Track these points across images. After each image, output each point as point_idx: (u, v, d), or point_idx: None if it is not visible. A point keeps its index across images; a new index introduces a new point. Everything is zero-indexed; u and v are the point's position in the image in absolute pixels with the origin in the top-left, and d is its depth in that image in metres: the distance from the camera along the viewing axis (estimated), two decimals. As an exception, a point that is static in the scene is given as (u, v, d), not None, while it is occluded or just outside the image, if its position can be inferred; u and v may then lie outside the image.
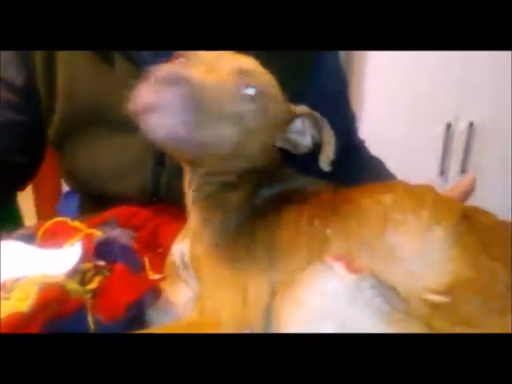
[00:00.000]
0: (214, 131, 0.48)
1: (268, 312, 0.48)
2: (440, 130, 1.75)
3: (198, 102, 0.44)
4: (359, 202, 0.50)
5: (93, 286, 0.49)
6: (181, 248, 0.57)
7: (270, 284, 0.49)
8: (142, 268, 0.56)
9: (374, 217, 0.47)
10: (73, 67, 0.72)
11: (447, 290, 0.41)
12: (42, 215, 1.16)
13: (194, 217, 0.57)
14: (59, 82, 0.73)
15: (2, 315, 0.40)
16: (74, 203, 0.90)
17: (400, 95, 1.68)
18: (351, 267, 0.40)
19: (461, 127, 1.74)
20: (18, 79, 0.74)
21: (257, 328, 0.47)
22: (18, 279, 0.44)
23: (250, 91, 0.51)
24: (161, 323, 0.52)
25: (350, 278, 0.39)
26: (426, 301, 0.40)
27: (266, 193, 0.56)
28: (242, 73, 0.51)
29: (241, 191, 0.55)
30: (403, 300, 0.40)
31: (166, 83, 0.43)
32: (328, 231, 0.48)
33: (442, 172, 1.77)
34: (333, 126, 0.68)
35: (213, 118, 0.47)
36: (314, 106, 0.72)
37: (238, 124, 0.50)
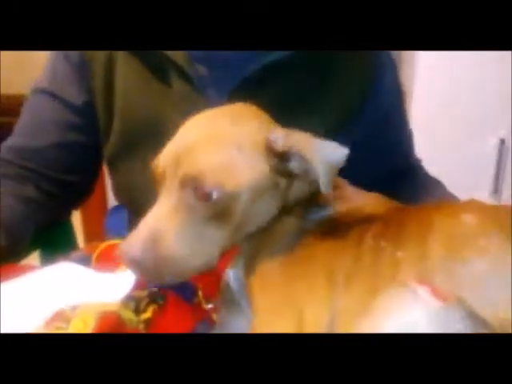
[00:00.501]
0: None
1: None
2: (493, 145, 1.68)
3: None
4: (435, 222, 0.47)
5: (147, 315, 0.49)
6: (236, 273, 0.56)
7: (329, 311, 0.47)
8: (195, 295, 0.55)
9: (455, 239, 0.45)
10: (130, 86, 0.73)
11: None
12: (89, 232, 1.18)
13: (245, 245, 0.56)
14: (117, 101, 0.74)
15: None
16: (122, 219, 0.91)
17: (451, 107, 1.63)
18: (438, 293, 0.37)
19: (516, 143, 1.67)
20: (78, 99, 0.76)
21: None
22: (75, 307, 0.44)
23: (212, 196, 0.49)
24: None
25: (438, 305, 0.36)
26: (504, 327, 0.38)
27: (317, 215, 0.54)
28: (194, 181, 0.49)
29: (290, 218, 0.54)
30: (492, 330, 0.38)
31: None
32: (399, 253, 0.46)
33: (496, 191, 1.70)
34: (389, 143, 0.65)
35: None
36: (370, 122, 0.70)
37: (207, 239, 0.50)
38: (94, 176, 0.85)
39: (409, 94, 1.58)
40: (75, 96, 0.76)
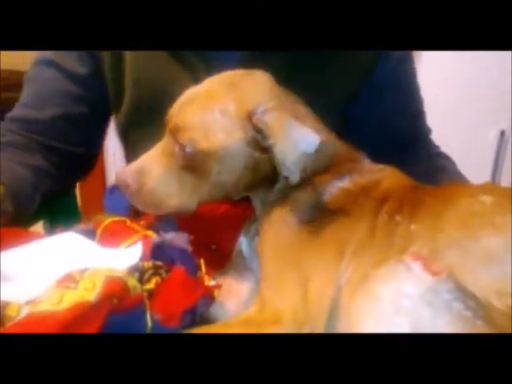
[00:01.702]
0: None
1: (333, 309, 0.49)
2: (493, 136, 1.71)
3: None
4: (453, 200, 0.50)
5: (150, 286, 0.51)
6: (249, 239, 0.59)
7: (335, 282, 0.49)
8: (198, 270, 0.57)
9: (471, 216, 0.47)
10: (140, 54, 0.74)
11: None
12: (87, 210, 1.19)
13: (259, 213, 0.59)
14: (127, 69, 0.75)
15: (68, 305, 0.42)
16: (121, 198, 0.92)
17: (450, 98, 1.65)
18: (429, 268, 0.40)
19: (516, 135, 1.70)
20: (80, 69, 0.77)
21: (319, 326, 0.49)
22: (84, 270, 0.46)
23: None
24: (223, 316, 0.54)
25: (428, 279, 0.39)
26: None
27: (333, 187, 0.56)
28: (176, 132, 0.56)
29: (307, 190, 0.56)
30: (483, 306, 0.40)
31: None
32: (412, 226, 0.49)
33: (493, 181, 1.73)
34: (398, 106, 0.66)
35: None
36: (380, 85, 0.69)
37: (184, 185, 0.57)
38: (98, 148, 0.87)
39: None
40: (80, 67, 0.77)
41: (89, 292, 0.42)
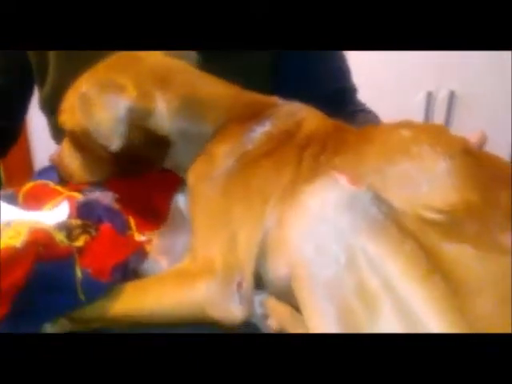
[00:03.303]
0: None
1: (262, 251, 0.53)
2: (421, 98, 1.79)
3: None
4: (374, 136, 0.56)
5: (79, 243, 0.51)
6: (184, 197, 0.61)
7: (262, 229, 0.53)
8: (128, 228, 0.58)
9: (390, 148, 0.53)
10: None
11: (446, 210, 0.46)
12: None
13: (189, 171, 0.60)
14: None
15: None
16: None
17: (380, 63, 1.71)
18: (353, 181, 0.44)
19: (442, 95, 1.79)
20: None
21: (248, 271, 0.52)
22: (8, 223, 0.46)
23: None
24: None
25: (351, 188, 0.44)
26: (423, 218, 0.46)
27: (255, 133, 0.58)
28: None
29: (226, 141, 0.58)
30: (400, 214, 0.45)
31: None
32: (336, 160, 0.54)
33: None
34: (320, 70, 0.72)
35: None
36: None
37: None
38: (20, 121, 0.86)
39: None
40: None
41: (13, 239, 0.43)
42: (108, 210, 0.56)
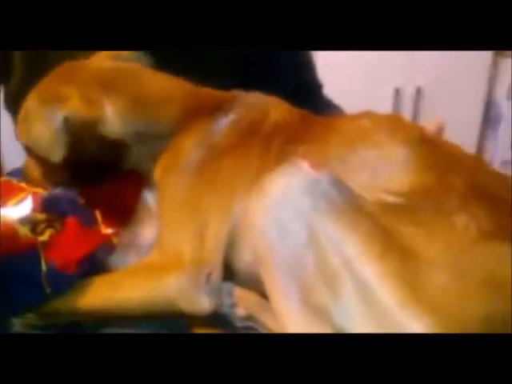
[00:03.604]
0: None
1: (230, 242, 0.54)
2: (389, 94, 1.83)
3: None
4: (337, 126, 0.58)
5: (44, 238, 0.51)
6: (152, 193, 0.61)
7: (231, 219, 0.54)
8: (94, 222, 0.58)
9: (352, 137, 0.56)
10: None
11: (403, 193, 0.49)
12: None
13: (157, 167, 0.60)
14: None
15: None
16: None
17: (348, 59, 1.74)
18: (315, 166, 0.46)
19: (409, 92, 1.83)
20: None
21: (217, 263, 0.53)
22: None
23: None
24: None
25: (312, 173, 0.46)
26: (382, 201, 0.48)
27: (220, 125, 0.59)
28: None
29: (190, 135, 0.58)
30: (359, 198, 0.47)
31: None
32: (300, 148, 0.55)
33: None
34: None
35: None
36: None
37: None
38: None
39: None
40: None
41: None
42: (73, 203, 0.57)
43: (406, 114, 1.84)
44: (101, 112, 0.56)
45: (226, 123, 0.59)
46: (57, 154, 0.56)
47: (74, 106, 0.55)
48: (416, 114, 1.83)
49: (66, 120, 0.55)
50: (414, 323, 0.41)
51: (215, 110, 0.60)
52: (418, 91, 1.82)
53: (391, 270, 0.42)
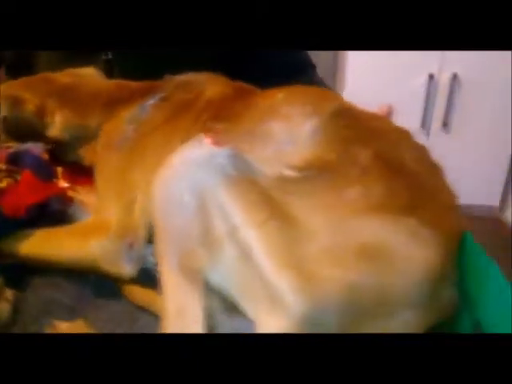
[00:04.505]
0: None
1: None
2: (422, 81, 1.78)
3: None
4: (256, 101, 0.60)
5: (2, 185, 0.59)
6: None
7: None
8: (53, 177, 0.65)
9: (264, 110, 0.58)
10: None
11: (302, 166, 0.50)
12: None
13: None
14: None
15: None
16: None
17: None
18: (217, 142, 0.49)
19: (444, 79, 1.78)
20: None
21: (140, 236, 0.58)
22: None
23: None
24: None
25: (211, 148, 0.48)
26: (280, 175, 0.49)
27: (149, 105, 0.64)
28: None
29: (122, 116, 0.64)
30: (256, 172, 0.49)
31: None
32: (218, 125, 0.58)
33: (423, 125, 1.82)
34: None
35: None
36: None
37: None
38: None
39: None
40: None
41: None
42: (35, 159, 0.64)
43: (441, 103, 1.79)
44: (51, 120, 0.65)
45: (155, 101, 0.64)
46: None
47: (31, 111, 0.64)
48: (450, 103, 1.78)
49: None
50: (283, 284, 0.44)
51: (146, 94, 0.65)
52: (454, 78, 1.76)
53: (271, 236, 0.44)
